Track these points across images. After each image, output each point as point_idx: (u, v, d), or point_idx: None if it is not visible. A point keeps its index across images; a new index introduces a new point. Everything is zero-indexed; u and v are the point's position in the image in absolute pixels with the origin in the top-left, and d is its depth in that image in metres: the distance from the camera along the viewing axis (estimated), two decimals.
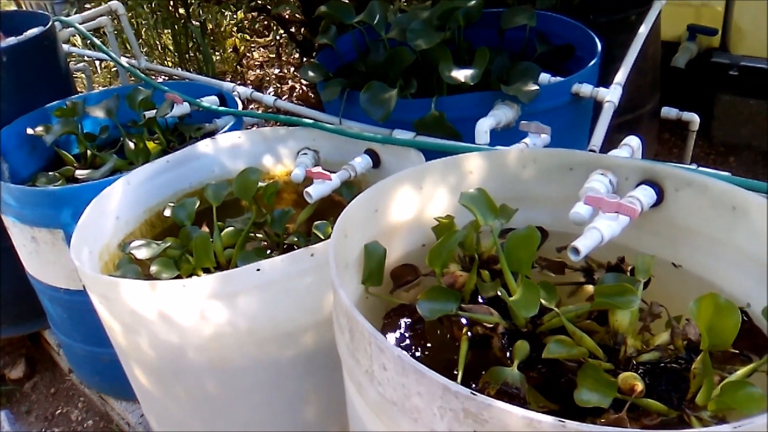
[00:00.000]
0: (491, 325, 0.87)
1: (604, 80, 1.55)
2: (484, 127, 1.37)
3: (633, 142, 1.17)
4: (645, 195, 0.98)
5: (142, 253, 1.25)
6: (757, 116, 2.45)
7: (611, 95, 1.46)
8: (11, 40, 1.96)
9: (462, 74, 1.43)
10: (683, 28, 2.51)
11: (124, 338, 1.13)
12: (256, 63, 4.14)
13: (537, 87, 1.43)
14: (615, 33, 1.83)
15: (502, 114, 1.42)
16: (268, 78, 3.82)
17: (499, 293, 0.90)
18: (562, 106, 1.52)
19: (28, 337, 2.31)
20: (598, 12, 1.92)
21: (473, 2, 1.60)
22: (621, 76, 1.53)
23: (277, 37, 4.10)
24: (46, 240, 1.52)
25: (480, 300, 0.97)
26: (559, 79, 1.51)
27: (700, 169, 1.04)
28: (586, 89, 1.48)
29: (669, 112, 2.05)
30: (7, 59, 1.81)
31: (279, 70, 3.76)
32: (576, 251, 0.89)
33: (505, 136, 1.42)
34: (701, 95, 2.52)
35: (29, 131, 1.75)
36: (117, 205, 1.38)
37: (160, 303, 1.03)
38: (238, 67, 3.97)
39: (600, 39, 1.64)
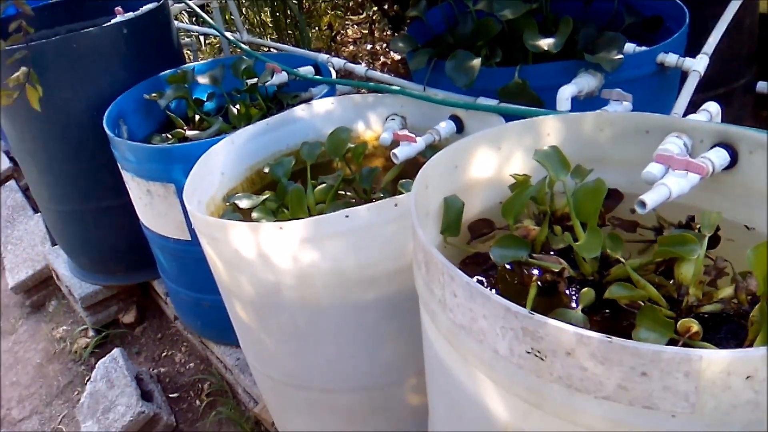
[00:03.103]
0: (558, 270, 0.94)
1: (694, 54, 1.55)
2: (565, 94, 1.41)
3: (712, 107, 1.19)
4: (718, 156, 1.00)
5: (244, 204, 1.39)
6: None
7: (697, 65, 1.47)
8: (129, 15, 2.15)
9: (545, 42, 1.48)
10: None
11: (227, 276, 1.27)
12: (349, 40, 4.26)
13: (621, 56, 1.46)
14: (708, 4, 1.80)
15: (584, 82, 1.46)
16: (360, 54, 3.94)
17: (567, 245, 0.97)
18: (647, 76, 1.53)
19: (139, 286, 2.54)
20: None
21: None
22: (709, 46, 1.53)
23: (370, 14, 4.20)
24: (159, 193, 1.69)
25: (550, 253, 1.04)
26: (644, 48, 1.52)
27: None
28: (671, 59, 1.49)
29: (764, 87, 2.01)
30: (127, 31, 1.99)
31: (371, 46, 3.86)
32: (643, 204, 0.94)
33: (587, 104, 1.46)
34: None
35: (145, 96, 1.93)
36: (222, 161, 1.52)
37: (260, 244, 1.15)
38: (332, 43, 4.10)
39: (690, 10, 1.64)
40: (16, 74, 1.47)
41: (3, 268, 3.07)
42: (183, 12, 3.65)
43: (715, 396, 0.62)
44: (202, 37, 3.92)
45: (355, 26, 4.36)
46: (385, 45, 3.91)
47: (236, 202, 1.39)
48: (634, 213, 1.15)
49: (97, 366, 2.17)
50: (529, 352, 0.70)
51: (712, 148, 1.04)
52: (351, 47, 4.11)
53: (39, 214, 3.23)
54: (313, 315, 1.23)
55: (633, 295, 0.85)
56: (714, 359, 0.59)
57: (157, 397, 2.09)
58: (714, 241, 0.98)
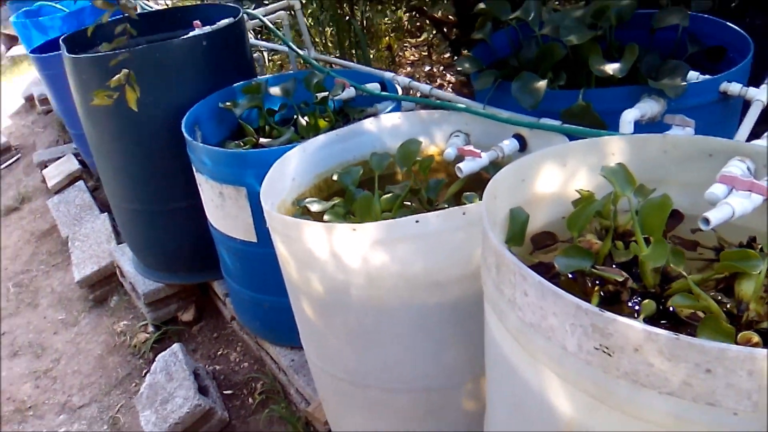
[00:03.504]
0: (622, 280, 0.98)
1: (758, 84, 1.58)
2: (628, 117, 1.46)
3: None
4: None
5: (314, 208, 1.46)
6: None
7: (761, 94, 1.49)
8: (207, 28, 2.28)
9: (610, 68, 1.53)
10: None
11: (298, 274, 1.35)
12: (408, 61, 4.36)
13: (685, 83, 1.50)
14: None
15: (647, 107, 1.50)
16: (418, 76, 4.03)
17: (629, 259, 1.02)
18: (709, 104, 1.57)
19: (199, 287, 2.65)
20: (755, 14, 1.93)
21: (626, 2, 1.68)
22: None
23: (429, 37, 4.30)
24: (231, 196, 1.78)
25: (613, 266, 1.08)
26: (707, 77, 1.56)
27: None
28: (734, 88, 1.52)
29: None
30: (206, 43, 2.11)
31: (429, 68, 3.95)
32: (707, 221, 0.98)
33: (648, 130, 1.50)
34: None
35: (220, 105, 2.04)
36: (294, 168, 1.61)
37: (332, 244, 1.22)
38: (391, 64, 4.21)
39: (754, 41, 1.67)
40: (118, 76, 1.59)
41: (70, 263, 3.22)
42: (251, 30, 3.82)
43: None
44: (265, 53, 4.07)
45: (413, 48, 4.46)
46: (442, 68, 3.99)
47: (307, 205, 1.47)
48: (695, 233, 1.19)
49: (157, 359, 2.27)
50: (597, 348, 0.75)
51: None
52: (408, 68, 4.21)
53: (105, 213, 3.39)
54: (378, 315, 1.29)
55: (695, 305, 0.89)
56: None
57: (213, 393, 2.17)
58: None
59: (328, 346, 1.43)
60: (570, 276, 1.07)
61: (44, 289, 3.32)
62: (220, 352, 2.45)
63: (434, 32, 3.97)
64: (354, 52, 3.85)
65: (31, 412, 2.52)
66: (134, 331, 2.70)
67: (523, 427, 0.95)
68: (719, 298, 0.98)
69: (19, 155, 5.16)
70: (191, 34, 2.25)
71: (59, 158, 4.33)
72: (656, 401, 0.72)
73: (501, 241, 0.89)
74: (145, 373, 2.45)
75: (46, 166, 4.32)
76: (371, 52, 4.16)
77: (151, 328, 2.64)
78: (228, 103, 2.04)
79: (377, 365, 1.36)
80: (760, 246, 1.05)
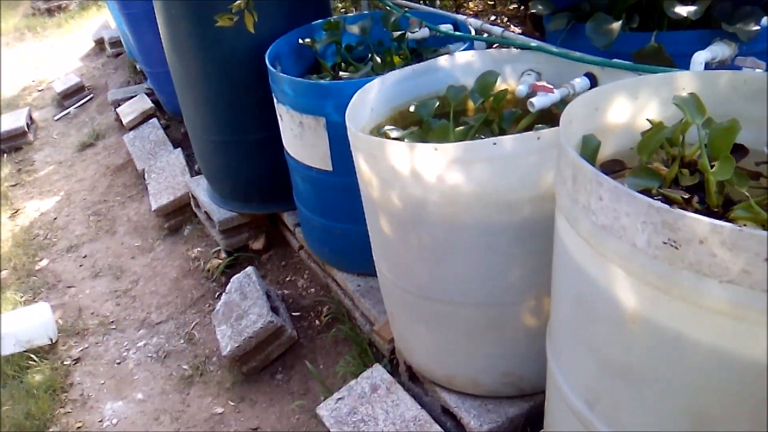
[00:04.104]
0: (687, 198, 1.07)
1: None
2: (699, 58, 1.51)
3: None
4: None
5: (394, 134, 1.57)
6: None
7: None
8: None
9: (685, 10, 1.58)
10: None
11: (379, 192, 1.46)
12: (471, 12, 4.38)
13: (758, 27, 1.53)
14: None
15: (719, 50, 1.54)
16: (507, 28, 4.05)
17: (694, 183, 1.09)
18: None
19: (269, 218, 2.80)
20: None
21: None
22: None
23: None
24: (310, 125, 1.90)
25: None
26: None
27: None
28: None
29: None
30: None
31: (494, 19, 3.97)
32: None
33: None
34: None
35: (300, 41, 2.15)
36: (373, 98, 1.71)
37: (414, 162, 1.33)
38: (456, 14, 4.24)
39: None
40: (238, 1, 1.73)
41: (145, 194, 3.42)
42: None
43: None
44: None
45: (478, 0, 4.47)
46: (506, 19, 4.00)
47: (387, 132, 1.58)
48: (759, 166, 1.26)
49: (231, 280, 2.44)
50: (665, 243, 0.84)
51: None
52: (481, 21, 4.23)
53: (179, 148, 3.57)
54: (451, 232, 1.40)
55: (755, 217, 0.97)
56: None
57: (282, 313, 2.34)
58: None
59: (401, 261, 1.55)
60: None
61: (121, 218, 3.54)
62: (288, 279, 2.61)
63: None
64: (420, 1, 3.90)
65: (113, 326, 2.74)
66: (208, 257, 2.88)
67: (589, 322, 1.05)
68: None
69: (91, 95, 5.40)
70: None
71: (132, 97, 4.53)
72: (717, 289, 0.81)
73: (576, 155, 0.98)
74: (218, 295, 2.64)
75: (119, 105, 4.53)
76: (436, 3, 4.19)
77: (223, 254, 2.82)
78: (307, 40, 2.14)
79: (447, 279, 1.47)
80: None
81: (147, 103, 4.27)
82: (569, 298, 1.12)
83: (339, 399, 1.80)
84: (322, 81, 1.94)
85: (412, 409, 1.69)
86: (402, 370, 1.91)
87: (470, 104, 1.76)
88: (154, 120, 4.10)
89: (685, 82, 1.28)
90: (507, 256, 1.41)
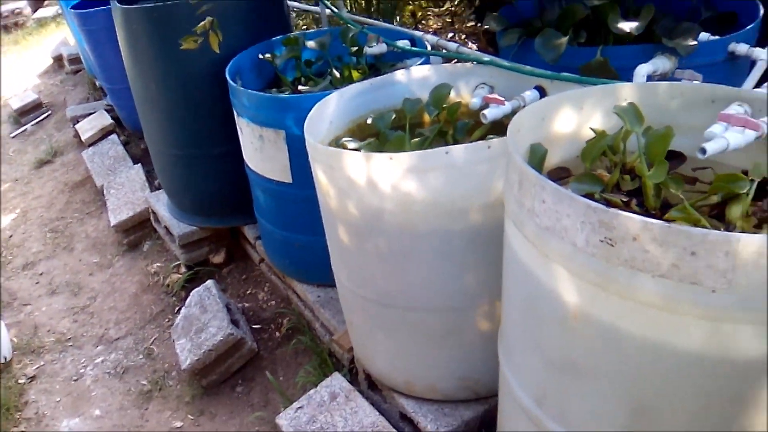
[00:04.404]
0: (626, 201, 1.12)
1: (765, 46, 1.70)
2: (642, 71, 1.58)
3: None
4: None
5: (351, 145, 1.61)
6: None
7: (765, 54, 1.61)
8: None
9: (628, 26, 1.66)
10: None
11: (336, 202, 1.49)
12: (431, 30, 4.47)
13: (695, 42, 1.62)
14: None
15: (660, 63, 1.62)
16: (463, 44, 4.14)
17: (635, 188, 1.15)
18: (718, 63, 1.69)
19: (230, 232, 2.81)
20: None
21: None
22: None
23: (452, 6, 4.40)
24: (270, 138, 1.93)
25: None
26: (717, 37, 1.68)
27: None
28: (742, 48, 1.64)
29: None
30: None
31: (452, 35, 4.06)
32: (703, 150, 1.12)
33: None
34: None
35: (260, 56, 2.18)
36: (332, 112, 1.75)
37: (370, 171, 1.37)
38: (415, 31, 4.32)
39: (765, 6, 1.78)
40: (203, 23, 1.75)
41: (104, 211, 3.39)
42: None
43: (748, 274, 0.80)
44: (292, 16, 4.19)
45: (437, 17, 4.56)
46: (464, 36, 4.09)
47: (344, 143, 1.61)
48: (696, 171, 1.33)
49: (191, 294, 2.44)
50: (602, 241, 0.89)
51: None
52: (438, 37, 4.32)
53: (139, 164, 3.55)
54: (407, 239, 1.44)
55: (688, 218, 1.03)
56: (749, 241, 0.78)
57: (243, 325, 2.34)
58: (763, 192, 1.14)
59: (360, 269, 1.58)
60: None
61: (79, 234, 3.50)
62: (249, 292, 2.62)
63: (458, 1, 4.07)
64: (378, 19, 3.97)
65: (70, 343, 2.71)
66: (167, 272, 2.87)
67: (535, 321, 1.10)
68: (712, 224, 1.12)
69: (49, 112, 5.34)
70: None
71: (91, 114, 4.49)
72: (649, 284, 0.86)
73: (522, 161, 1.03)
74: (178, 310, 2.63)
75: (78, 121, 4.49)
76: (395, 19, 4.27)
77: (183, 269, 2.81)
78: (268, 55, 2.18)
79: (404, 286, 1.51)
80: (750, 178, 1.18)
81: (106, 120, 4.24)
82: (518, 300, 1.17)
83: (298, 408, 1.81)
84: (281, 95, 1.97)
85: (370, 416, 1.71)
86: (361, 379, 1.94)
87: (426, 116, 1.81)
88: (114, 136, 4.07)
89: (626, 93, 1.35)
90: (462, 262, 1.45)
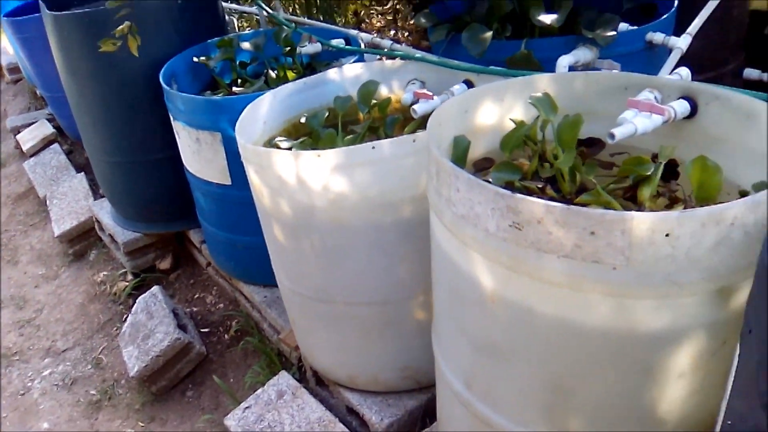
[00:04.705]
0: (541, 187, 1.17)
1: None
2: (563, 62, 1.63)
3: (683, 71, 1.41)
4: (679, 105, 1.22)
5: (284, 145, 1.63)
6: None
7: (680, 42, 1.68)
8: None
9: (548, 18, 1.71)
10: None
11: (270, 201, 1.51)
12: (374, 28, 4.50)
13: (614, 33, 1.68)
14: None
15: (581, 54, 1.68)
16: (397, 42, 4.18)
17: (553, 174, 1.20)
18: (637, 52, 1.75)
19: (176, 237, 2.79)
20: None
21: None
22: (693, 27, 1.74)
23: (395, 4, 4.43)
24: (207, 141, 1.93)
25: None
26: (635, 27, 1.74)
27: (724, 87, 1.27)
28: (658, 37, 1.71)
29: (751, 73, 2.22)
30: (181, 2, 2.24)
31: (395, 33, 4.09)
32: (612, 136, 1.17)
33: None
34: None
35: (195, 59, 2.18)
36: (265, 112, 1.76)
37: (299, 170, 1.39)
38: (358, 30, 4.35)
39: None
40: (121, 27, 1.75)
41: (48, 222, 3.33)
42: None
43: (643, 250, 0.84)
44: (235, 19, 4.17)
45: (380, 15, 4.59)
46: (407, 33, 4.13)
47: (278, 143, 1.63)
48: (613, 157, 1.38)
49: (137, 301, 2.42)
50: (510, 225, 0.93)
51: (677, 100, 1.26)
52: (375, 34, 4.35)
53: (82, 173, 3.50)
54: (340, 235, 1.46)
55: (598, 200, 1.08)
56: (642, 219, 0.82)
57: (191, 330, 2.34)
58: (673, 174, 1.20)
59: (296, 266, 1.60)
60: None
61: (23, 247, 3.43)
62: (197, 296, 2.61)
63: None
64: (321, 18, 3.98)
65: (16, 357, 2.66)
66: (114, 280, 2.84)
67: (459, 307, 1.13)
68: (626, 204, 1.17)
69: None
70: None
71: (32, 124, 4.40)
72: (555, 264, 0.90)
73: (440, 153, 1.06)
74: (126, 318, 2.60)
75: (19, 132, 4.39)
76: (339, 19, 4.29)
77: (130, 277, 2.79)
78: (202, 58, 2.17)
79: (340, 281, 1.53)
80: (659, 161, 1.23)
81: (48, 129, 4.16)
82: (443, 287, 1.20)
83: (246, 408, 1.82)
84: (215, 97, 1.97)
85: (316, 411, 1.73)
86: (309, 376, 1.95)
87: (361, 114, 1.84)
88: (56, 145, 4.00)
89: (544, 83, 1.40)
90: (395, 254, 1.48)
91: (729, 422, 0.86)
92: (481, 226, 0.98)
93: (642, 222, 0.82)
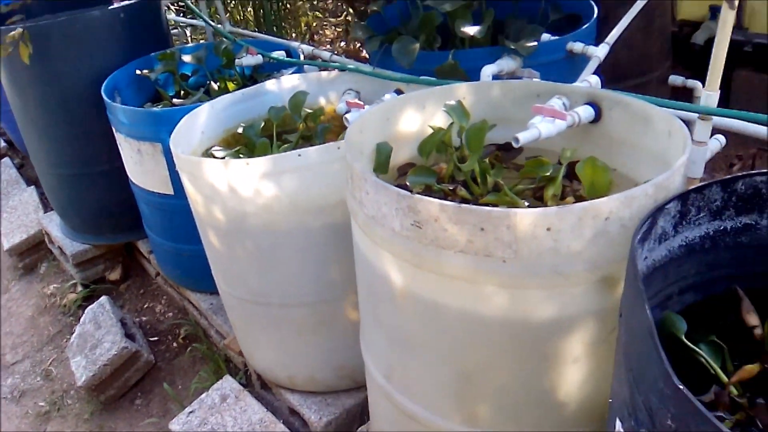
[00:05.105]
0: (452, 188, 1.24)
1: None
2: (487, 71, 1.72)
3: (593, 79, 1.50)
4: (584, 111, 1.31)
5: (219, 154, 1.68)
6: None
7: (598, 51, 1.77)
8: (125, 2, 2.44)
9: (471, 29, 1.79)
10: (707, 9, 2.77)
11: (204, 208, 1.56)
12: (327, 39, 4.57)
13: (535, 43, 1.77)
14: (620, 5, 2.12)
15: (504, 63, 1.76)
16: (336, 52, 4.25)
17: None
18: (559, 61, 1.84)
19: (125, 247, 2.81)
20: None
21: None
22: (611, 37, 1.83)
23: (348, 18, 4.52)
24: (148, 152, 1.97)
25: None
26: (556, 38, 1.84)
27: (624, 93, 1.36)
28: (578, 47, 1.80)
29: (675, 80, 2.33)
30: (123, 15, 2.27)
31: (346, 45, 4.17)
32: (516, 140, 1.24)
33: None
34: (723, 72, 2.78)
35: (137, 72, 2.22)
36: (203, 122, 1.81)
37: (229, 178, 1.44)
38: (311, 42, 4.41)
39: (605, 9, 1.96)
40: (12, 33, 1.78)
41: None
42: (171, 6, 3.96)
43: (528, 244, 0.92)
44: (188, 31, 4.20)
45: (333, 27, 4.67)
46: (359, 45, 4.22)
47: (213, 152, 1.68)
48: (528, 160, 1.46)
49: (85, 312, 2.44)
50: (412, 224, 0.99)
51: (582, 105, 1.35)
52: (328, 46, 4.42)
53: (32, 186, 3.49)
54: (272, 239, 1.51)
55: (501, 200, 1.15)
56: (524, 215, 0.89)
57: (139, 339, 2.36)
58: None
59: (232, 271, 1.65)
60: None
61: None
62: (146, 306, 2.63)
63: (350, 10, 4.19)
64: (275, 30, 4.04)
65: None
66: (64, 292, 2.84)
67: (375, 303, 1.20)
68: (534, 203, 1.25)
69: None
70: (111, 7, 2.41)
71: None
72: (453, 259, 0.97)
73: (353, 159, 1.12)
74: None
75: None
76: (292, 32, 4.35)
77: (80, 288, 2.79)
78: (145, 71, 2.21)
79: (274, 283, 1.59)
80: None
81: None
82: (363, 285, 1.26)
83: (190, 412, 1.86)
84: (155, 108, 2.02)
85: (258, 413, 1.78)
86: (254, 379, 2.00)
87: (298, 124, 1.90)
88: (7, 159, 3.98)
89: (463, 92, 1.47)
90: (325, 257, 1.54)
91: (611, 400, 0.94)
92: (387, 225, 1.04)
93: (524, 218, 0.90)
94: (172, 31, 3.15)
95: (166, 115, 1.90)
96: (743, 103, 2.81)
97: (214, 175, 1.45)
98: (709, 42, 2.73)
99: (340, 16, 4.79)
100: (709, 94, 1.27)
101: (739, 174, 0.99)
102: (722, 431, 0.61)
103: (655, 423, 0.72)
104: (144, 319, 2.56)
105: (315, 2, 4.42)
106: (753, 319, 0.99)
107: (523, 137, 1.24)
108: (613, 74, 2.09)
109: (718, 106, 1.36)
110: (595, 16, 1.91)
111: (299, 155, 1.40)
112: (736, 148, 2.59)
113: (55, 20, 2.17)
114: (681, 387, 0.65)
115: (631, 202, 0.92)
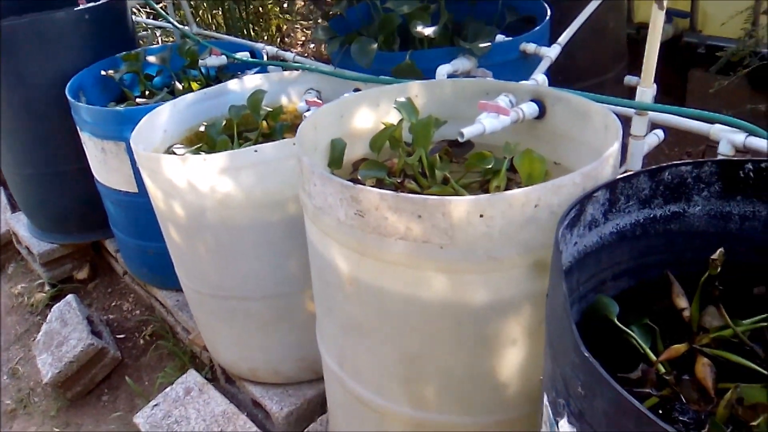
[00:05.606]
0: (401, 181, 1.29)
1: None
2: (442, 71, 1.77)
3: (540, 77, 1.57)
4: (528, 107, 1.37)
5: (180, 152, 1.71)
6: (722, 90, 2.77)
7: (550, 52, 1.84)
8: (91, 4, 2.46)
9: (426, 30, 1.85)
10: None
11: (164, 204, 1.59)
12: (299, 42, 4.61)
13: (489, 44, 1.83)
14: (574, 7, 2.20)
15: (459, 63, 1.82)
16: (306, 54, 4.29)
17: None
18: (513, 61, 1.90)
19: (93, 246, 2.83)
20: None
21: None
22: (563, 37, 1.90)
23: (318, 20, 4.56)
24: (112, 150, 2.00)
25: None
26: (510, 39, 1.90)
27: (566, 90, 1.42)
28: (530, 47, 1.86)
29: (630, 80, 2.40)
30: (88, 17, 2.30)
31: (314, 47, 4.22)
32: (461, 135, 1.30)
33: None
34: (679, 72, 2.87)
35: (102, 72, 2.24)
36: (165, 121, 1.84)
37: (187, 173, 1.48)
38: (281, 44, 4.45)
39: (559, 11, 2.02)
40: None
41: None
42: (139, 9, 3.98)
43: (463, 230, 0.97)
44: (158, 33, 4.22)
45: (304, 30, 4.71)
46: None
47: (174, 150, 1.72)
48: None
49: (52, 310, 2.45)
50: (356, 213, 1.04)
51: (527, 102, 1.41)
52: (299, 48, 4.46)
53: (1, 187, 3.48)
54: (231, 233, 1.55)
55: (443, 191, 1.21)
56: (458, 202, 0.95)
57: (106, 336, 2.38)
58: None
59: (193, 265, 1.68)
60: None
61: None
62: (114, 304, 2.65)
63: (319, 13, 4.23)
64: (244, 33, 4.07)
65: None
66: (31, 292, 2.85)
67: (326, 291, 1.24)
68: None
69: None
70: (76, 9, 2.43)
71: None
72: (394, 246, 1.02)
73: (302, 152, 1.17)
74: None
75: None
76: (263, 35, 4.39)
77: (47, 288, 2.80)
78: (110, 71, 2.24)
79: (234, 277, 1.62)
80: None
81: None
82: (316, 275, 1.31)
83: (155, 405, 1.89)
84: (118, 108, 2.05)
85: (221, 405, 1.81)
86: (219, 373, 2.03)
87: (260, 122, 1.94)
88: None
89: (416, 90, 1.52)
90: (283, 250, 1.58)
91: (541, 377, 0.99)
92: (333, 215, 1.09)
93: (458, 205, 0.95)
94: (142, 33, 3.16)
95: (129, 114, 1.93)
96: (698, 102, 2.90)
97: (172, 171, 1.49)
98: (665, 43, 2.83)
99: (311, 20, 4.83)
100: (644, 90, 1.34)
101: (665, 164, 1.05)
102: (621, 393, 0.66)
103: (570, 391, 0.77)
104: (111, 317, 2.58)
105: (285, 5, 4.46)
106: (682, 302, 1.05)
107: (468, 132, 1.30)
108: (571, 75, 2.17)
109: (674, 104, 1.43)
110: (547, 17, 1.97)
111: (255, 151, 1.44)
112: (688, 144, 2.68)
113: (20, 21, 2.19)
114: (587, 355, 0.71)
115: (559, 189, 0.98)
